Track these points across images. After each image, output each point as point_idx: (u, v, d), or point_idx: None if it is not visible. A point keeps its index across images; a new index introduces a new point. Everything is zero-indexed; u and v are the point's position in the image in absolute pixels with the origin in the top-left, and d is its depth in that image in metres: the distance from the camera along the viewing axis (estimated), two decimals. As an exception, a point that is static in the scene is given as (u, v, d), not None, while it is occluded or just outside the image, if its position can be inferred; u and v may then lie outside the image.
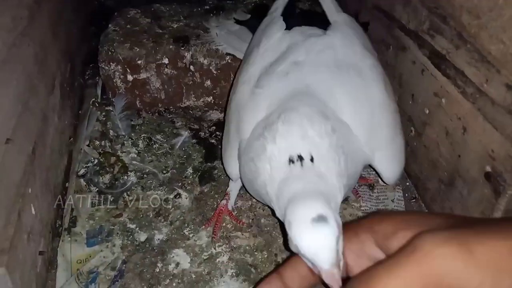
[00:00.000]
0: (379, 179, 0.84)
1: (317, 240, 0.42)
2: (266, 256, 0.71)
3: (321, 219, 0.43)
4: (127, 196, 0.80)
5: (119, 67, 0.92)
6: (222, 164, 0.74)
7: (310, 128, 0.56)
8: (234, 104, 0.71)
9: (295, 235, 0.44)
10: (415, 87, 0.78)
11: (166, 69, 0.94)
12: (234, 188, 0.79)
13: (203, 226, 0.75)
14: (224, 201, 0.77)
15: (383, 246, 0.31)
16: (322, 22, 0.76)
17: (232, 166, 0.69)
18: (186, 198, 0.81)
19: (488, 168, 0.60)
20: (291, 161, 0.53)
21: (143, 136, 0.92)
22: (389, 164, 0.67)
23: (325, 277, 0.40)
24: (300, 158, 0.53)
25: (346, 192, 0.59)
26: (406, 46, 0.80)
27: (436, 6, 0.70)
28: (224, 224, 0.76)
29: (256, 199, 0.73)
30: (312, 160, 0.53)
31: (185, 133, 0.93)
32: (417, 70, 0.76)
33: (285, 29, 0.74)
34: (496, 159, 0.58)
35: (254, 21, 0.87)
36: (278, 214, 0.53)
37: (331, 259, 0.40)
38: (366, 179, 0.84)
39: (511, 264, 0.25)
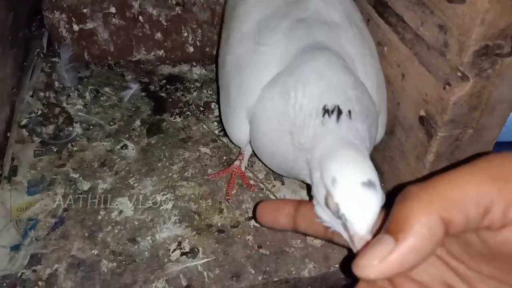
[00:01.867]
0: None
1: (364, 205, 0.40)
2: (210, 204, 0.72)
3: (371, 184, 0.41)
4: (71, 147, 0.78)
5: (64, 15, 0.89)
6: (226, 131, 0.70)
7: (342, 78, 0.52)
8: (232, 66, 0.66)
9: (341, 195, 0.42)
10: (362, 37, 0.78)
11: (113, 19, 0.91)
12: (248, 150, 0.76)
13: (208, 176, 0.75)
14: (237, 162, 0.76)
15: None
16: None
17: (240, 132, 0.65)
18: (133, 149, 0.80)
19: (422, 112, 0.61)
20: (326, 112, 0.49)
21: (90, 88, 0.90)
22: (381, 128, 0.64)
23: (357, 241, 0.39)
24: (339, 111, 0.49)
25: None
26: (354, -4, 0.79)
27: (381, -47, 0.70)
28: (170, 174, 0.76)
29: (266, 166, 0.70)
30: (349, 115, 0.49)
31: (135, 86, 0.92)
32: (364, 20, 0.76)
33: None
34: (429, 102, 0.59)
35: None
36: (310, 172, 0.49)
37: (370, 226, 0.39)
38: None
39: None
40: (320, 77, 0.53)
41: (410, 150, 0.66)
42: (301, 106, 0.52)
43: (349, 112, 0.49)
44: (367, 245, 0.33)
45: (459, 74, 0.53)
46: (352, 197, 0.41)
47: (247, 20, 0.67)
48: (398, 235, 0.25)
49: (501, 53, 0.50)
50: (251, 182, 0.76)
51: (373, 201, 0.40)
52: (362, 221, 0.39)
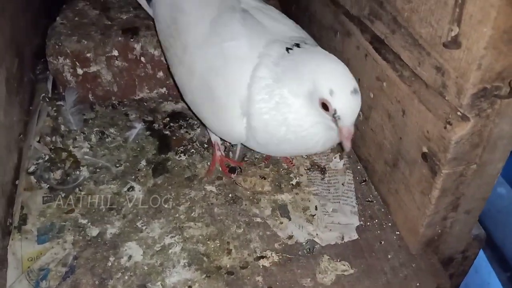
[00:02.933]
0: (330, 164, 0.86)
1: (354, 107, 0.60)
2: (218, 244, 0.72)
3: (356, 91, 0.61)
4: (79, 192, 0.79)
5: (68, 60, 0.90)
6: (210, 135, 0.85)
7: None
8: (206, 71, 0.72)
9: (338, 103, 0.60)
10: (361, 71, 0.80)
11: (116, 61, 0.93)
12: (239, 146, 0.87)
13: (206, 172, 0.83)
14: (219, 152, 0.85)
15: None
16: None
17: (238, 128, 0.71)
18: (140, 191, 0.81)
19: (425, 149, 0.62)
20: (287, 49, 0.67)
21: (96, 130, 0.91)
22: None
23: (345, 131, 0.62)
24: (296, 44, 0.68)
25: None
26: (351, 31, 0.81)
27: (375, -8, 0.71)
28: (177, 215, 0.76)
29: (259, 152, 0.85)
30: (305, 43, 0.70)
31: (139, 125, 0.93)
32: (361, 55, 0.78)
33: None
34: (431, 139, 0.60)
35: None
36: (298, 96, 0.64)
37: (355, 119, 0.61)
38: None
39: None
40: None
41: (415, 185, 0.67)
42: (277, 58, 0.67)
43: (304, 42, 0.69)
44: (352, 134, 0.62)
45: (459, 114, 0.54)
46: (346, 104, 0.60)
47: (198, 26, 0.74)
48: None
49: (500, 95, 0.51)
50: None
51: (358, 103, 0.61)
52: (351, 119, 0.61)
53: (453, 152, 0.56)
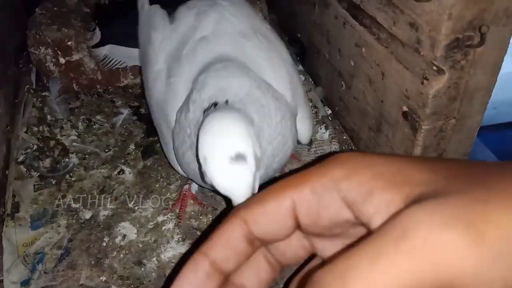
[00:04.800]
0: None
1: (234, 179, 0.42)
2: (211, 218, 0.73)
3: (239, 157, 0.43)
4: (69, 178, 0.80)
5: (50, 50, 0.90)
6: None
7: (235, 81, 0.55)
8: (155, 107, 0.68)
9: (211, 173, 0.44)
10: (340, 41, 0.81)
11: (98, 49, 0.93)
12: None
13: (168, 209, 0.74)
14: (186, 186, 0.76)
15: (355, 209, 0.24)
16: None
17: (176, 164, 0.67)
18: (130, 173, 0.81)
19: (405, 108, 0.63)
20: (210, 107, 0.52)
21: (83, 118, 0.92)
22: (306, 123, 0.67)
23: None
24: (215, 104, 0.51)
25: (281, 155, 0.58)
26: (328, 1, 0.82)
27: (349, -42, 0.72)
28: (168, 194, 0.77)
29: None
30: (228, 103, 0.51)
31: (126, 111, 0.93)
32: (340, 24, 0.79)
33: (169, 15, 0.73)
34: (410, 97, 0.61)
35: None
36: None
37: (246, 195, 0.42)
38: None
39: None
40: (213, 82, 0.55)
41: (398, 146, 0.68)
42: (193, 113, 0.54)
43: (227, 101, 0.51)
44: None
45: (434, 68, 0.55)
46: (222, 175, 0.43)
47: (157, 60, 0.68)
48: None
49: (472, 44, 0.52)
50: (204, 203, 0.75)
51: (243, 174, 0.42)
52: (238, 194, 0.42)
53: (431, 107, 0.58)
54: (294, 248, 0.29)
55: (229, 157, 0.43)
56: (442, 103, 0.58)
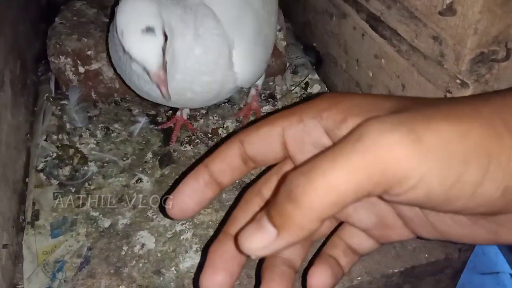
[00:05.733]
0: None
1: (145, 49, 0.52)
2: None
3: (149, 30, 0.52)
4: (88, 186, 0.81)
5: (69, 59, 0.92)
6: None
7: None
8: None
9: (128, 44, 0.53)
10: (359, 52, 0.81)
11: (117, 58, 0.94)
12: None
13: (160, 126, 0.88)
14: (178, 112, 0.87)
15: (331, 134, 0.29)
16: None
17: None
18: (148, 182, 0.82)
19: (426, 120, 0.63)
20: None
21: (101, 126, 0.93)
22: (245, 59, 0.68)
23: (152, 77, 0.54)
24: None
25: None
26: (346, 13, 0.82)
27: (369, -30, 0.72)
28: (186, 203, 0.77)
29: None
30: None
31: (143, 120, 0.94)
32: (358, 35, 0.79)
33: None
34: (432, 110, 0.61)
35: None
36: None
37: (157, 63, 0.53)
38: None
39: (460, 150, 0.23)
40: None
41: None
42: None
43: None
44: (161, 80, 0.53)
45: (458, 81, 0.55)
46: (136, 44, 0.52)
47: None
48: (280, 230, 0.26)
49: (497, 59, 0.52)
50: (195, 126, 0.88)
51: (153, 44, 0.52)
52: (150, 61, 0.53)
53: (454, 120, 0.57)
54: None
55: (140, 29, 0.52)
56: (465, 117, 0.57)
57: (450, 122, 0.24)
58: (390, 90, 0.71)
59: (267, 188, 0.35)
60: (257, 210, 0.34)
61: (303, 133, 0.31)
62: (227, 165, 0.33)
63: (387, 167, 0.23)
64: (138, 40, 0.52)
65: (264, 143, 0.32)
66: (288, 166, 0.36)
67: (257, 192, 0.36)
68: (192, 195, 0.34)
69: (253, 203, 0.35)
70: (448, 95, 0.57)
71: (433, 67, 0.59)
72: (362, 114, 0.27)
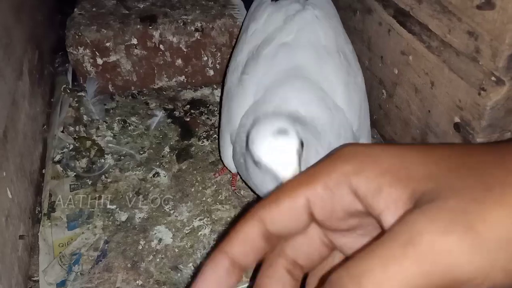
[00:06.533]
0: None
1: (278, 150, 0.45)
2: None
3: (282, 131, 0.46)
4: (105, 179, 0.79)
5: (88, 50, 0.90)
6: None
7: (303, 98, 0.56)
8: (225, 94, 0.70)
9: (258, 150, 0.46)
10: (384, 48, 0.79)
11: (135, 50, 0.93)
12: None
13: (213, 174, 0.79)
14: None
15: (365, 202, 0.26)
16: None
17: (226, 157, 0.69)
18: (165, 176, 0.80)
19: (457, 119, 0.61)
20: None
21: (118, 119, 0.91)
22: None
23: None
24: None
25: None
26: (372, 8, 0.80)
27: (398, -36, 0.70)
28: (204, 199, 0.76)
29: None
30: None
31: (160, 113, 0.93)
32: (384, 31, 0.77)
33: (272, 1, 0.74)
34: (464, 108, 0.59)
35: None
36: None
37: (292, 167, 0.44)
38: None
39: None
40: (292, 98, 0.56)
41: (446, 157, 0.65)
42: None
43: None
44: None
45: (493, 78, 0.53)
46: (268, 147, 0.45)
47: (241, 51, 0.71)
48: None
49: (536, 55, 0.50)
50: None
51: (286, 144, 0.45)
52: (284, 167, 0.44)
53: (488, 119, 0.56)
54: (314, 246, 0.30)
55: (272, 131, 0.46)
56: (499, 115, 0.55)
57: (504, 207, 0.22)
58: (417, 87, 0.70)
59: (290, 246, 0.31)
60: (285, 275, 0.30)
61: (332, 201, 0.27)
62: (248, 247, 0.29)
63: (448, 273, 0.21)
64: (270, 143, 0.45)
65: (288, 218, 0.28)
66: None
67: (280, 253, 0.31)
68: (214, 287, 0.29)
69: (278, 266, 0.30)
70: (482, 92, 0.55)
71: (466, 63, 0.57)
72: (396, 185, 0.25)
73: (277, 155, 0.45)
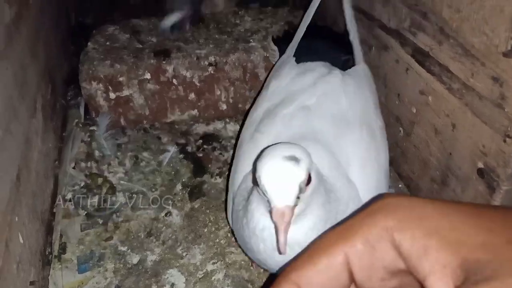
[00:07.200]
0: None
1: (280, 174, 0.42)
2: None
3: (293, 158, 0.43)
4: (116, 218, 0.78)
5: (101, 85, 0.90)
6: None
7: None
8: (237, 149, 0.67)
9: (261, 164, 0.44)
10: (401, 86, 0.77)
11: (148, 85, 0.92)
12: None
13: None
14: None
15: (408, 263, 0.24)
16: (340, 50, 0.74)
17: (228, 211, 0.64)
18: (177, 216, 0.79)
19: (480, 164, 0.59)
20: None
21: (130, 155, 0.90)
22: None
23: (274, 213, 0.41)
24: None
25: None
26: (389, 45, 0.79)
27: (416, 3, 0.69)
28: (217, 240, 0.74)
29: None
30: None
31: (172, 149, 0.92)
32: (402, 69, 0.76)
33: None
34: (488, 154, 0.57)
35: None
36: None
37: (287, 197, 0.41)
38: None
39: None
40: None
41: (469, 202, 0.63)
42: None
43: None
44: (284, 222, 0.40)
45: (520, 126, 0.51)
46: (270, 166, 0.43)
47: (259, 107, 0.68)
48: None
49: None
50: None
51: (291, 171, 0.42)
52: (279, 191, 0.41)
53: (514, 167, 0.54)
54: None
55: (282, 156, 0.44)
56: (526, 164, 0.53)
57: None
58: (437, 128, 0.68)
59: None
60: None
61: (373, 258, 0.25)
62: (324, 275, 0.26)
63: None
64: (276, 164, 0.43)
65: (326, 278, 0.26)
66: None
67: None
68: None
69: None
70: (508, 140, 0.53)
71: (490, 108, 0.56)
72: (445, 249, 0.22)
73: (278, 179, 0.42)
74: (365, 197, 0.56)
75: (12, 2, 0.70)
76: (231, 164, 0.70)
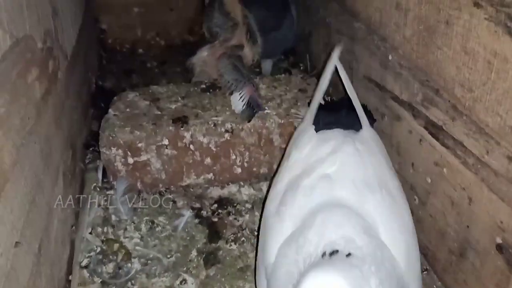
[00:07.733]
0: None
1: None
2: None
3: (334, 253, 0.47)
4: (131, 286, 0.78)
5: (120, 151, 0.93)
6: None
7: (354, 230, 0.55)
8: (263, 222, 0.69)
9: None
10: (415, 156, 0.79)
11: (166, 150, 0.95)
12: None
13: None
14: None
15: None
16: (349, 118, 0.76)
17: (262, 284, 0.64)
18: (192, 284, 0.78)
19: (499, 240, 0.59)
20: (324, 255, 0.52)
21: (145, 219, 0.91)
22: None
23: None
24: (336, 251, 0.51)
25: None
26: (401, 116, 0.81)
27: (428, 79, 0.72)
28: (233, 310, 0.73)
29: None
30: (348, 256, 0.51)
31: (187, 213, 0.92)
32: (415, 140, 0.77)
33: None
34: (506, 230, 0.57)
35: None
36: None
37: None
38: None
39: None
40: (335, 229, 0.55)
41: (488, 277, 0.63)
42: (307, 253, 0.53)
43: (349, 254, 0.50)
44: None
45: (538, 205, 0.52)
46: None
47: (281, 179, 0.70)
48: None
49: None
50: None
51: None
52: None
53: (534, 245, 0.54)
54: None
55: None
56: (546, 242, 0.54)
57: None
58: (453, 201, 0.68)
59: None
60: None
61: None
62: None
63: None
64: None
65: None
66: None
67: None
68: None
69: None
70: (526, 217, 0.53)
71: (506, 185, 0.57)
72: None
73: None
74: (398, 259, 0.56)
75: (43, 79, 0.74)
76: (257, 237, 0.71)
